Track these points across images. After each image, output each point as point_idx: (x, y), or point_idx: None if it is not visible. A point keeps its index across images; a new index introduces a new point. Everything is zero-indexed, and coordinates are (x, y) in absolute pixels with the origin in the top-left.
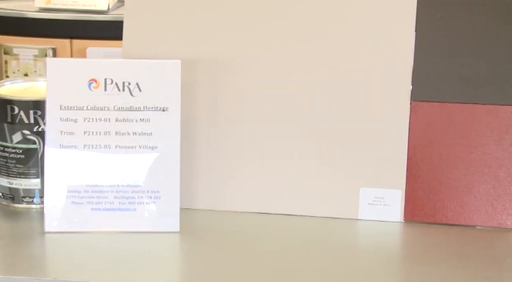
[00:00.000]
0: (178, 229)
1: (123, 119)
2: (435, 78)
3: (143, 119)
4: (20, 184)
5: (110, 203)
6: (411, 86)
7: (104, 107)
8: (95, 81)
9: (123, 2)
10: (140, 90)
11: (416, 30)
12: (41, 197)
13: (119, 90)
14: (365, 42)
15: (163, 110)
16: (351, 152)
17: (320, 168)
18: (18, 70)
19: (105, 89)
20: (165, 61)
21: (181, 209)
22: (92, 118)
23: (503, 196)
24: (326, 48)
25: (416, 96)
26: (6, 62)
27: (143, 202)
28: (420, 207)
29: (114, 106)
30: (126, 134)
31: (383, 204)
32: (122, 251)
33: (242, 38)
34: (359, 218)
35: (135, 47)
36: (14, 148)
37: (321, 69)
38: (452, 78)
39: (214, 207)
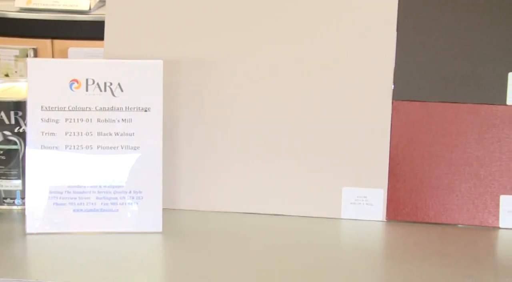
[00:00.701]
0: (160, 230)
1: (105, 119)
2: (417, 77)
3: (125, 119)
4: (1, 185)
5: (92, 203)
6: (392, 86)
7: (86, 107)
8: (77, 81)
9: (104, 2)
10: (122, 91)
11: (397, 30)
12: (23, 198)
13: (100, 90)
14: (347, 42)
15: (145, 110)
16: (334, 151)
17: (303, 168)
18: None
19: (87, 90)
20: (147, 62)
21: (164, 209)
22: (74, 119)
23: (484, 194)
24: (308, 48)
25: (398, 95)
26: None
27: (125, 203)
28: (402, 206)
29: (95, 107)
30: (108, 134)
31: (365, 203)
32: (105, 252)
33: (224, 38)
34: (341, 217)
35: (117, 47)
36: None
37: (303, 69)
38: (433, 78)
39: (197, 207)
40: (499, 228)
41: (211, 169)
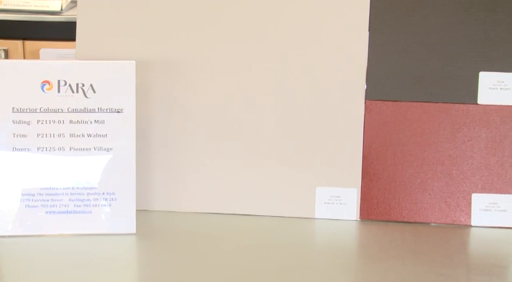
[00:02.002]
0: (134, 231)
1: (77, 121)
2: (389, 77)
3: (97, 121)
4: None
5: (65, 205)
6: (365, 86)
7: (58, 109)
8: (48, 83)
9: (76, 2)
10: (94, 92)
11: (369, 30)
12: None
13: (72, 91)
14: (319, 42)
15: (118, 111)
16: (307, 151)
17: (276, 168)
18: None
19: (59, 91)
20: (119, 62)
21: (137, 211)
22: (46, 121)
23: (456, 193)
24: (281, 49)
25: (371, 95)
26: None
27: (98, 204)
28: (376, 205)
29: (68, 108)
30: (81, 136)
31: (339, 203)
32: (78, 254)
33: (196, 38)
34: (315, 217)
35: (89, 48)
36: None
37: (275, 69)
38: (405, 78)
39: (171, 208)
40: (471, 226)
41: (184, 170)
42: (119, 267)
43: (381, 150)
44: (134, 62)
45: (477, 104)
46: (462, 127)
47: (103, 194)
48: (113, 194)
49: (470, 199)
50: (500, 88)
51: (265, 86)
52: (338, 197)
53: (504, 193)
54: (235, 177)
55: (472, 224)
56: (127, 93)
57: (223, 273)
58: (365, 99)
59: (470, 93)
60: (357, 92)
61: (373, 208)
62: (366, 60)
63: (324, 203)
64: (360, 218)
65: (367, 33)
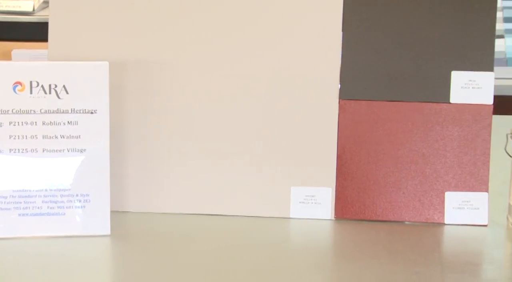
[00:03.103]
0: (108, 232)
1: (50, 122)
2: (363, 77)
3: (70, 122)
4: None
5: (38, 207)
6: (339, 85)
7: (30, 110)
8: (20, 84)
9: (48, 3)
10: (67, 93)
11: (343, 30)
12: None
13: (45, 93)
14: (293, 42)
15: (91, 112)
16: (282, 151)
17: (251, 168)
18: None
19: (31, 92)
20: (93, 63)
21: (112, 212)
22: (18, 122)
23: (429, 191)
24: (254, 48)
25: (345, 95)
26: None
27: (72, 206)
28: (350, 204)
29: (40, 110)
30: (54, 137)
31: (314, 202)
32: (52, 256)
33: (169, 38)
34: (290, 216)
35: (62, 49)
36: None
37: (249, 69)
38: (379, 77)
39: (145, 209)
40: (444, 224)
41: (159, 170)
42: (94, 269)
43: (355, 149)
44: (107, 63)
45: (450, 103)
46: (435, 126)
47: (77, 195)
48: (87, 195)
49: (444, 197)
50: (472, 88)
51: (239, 86)
52: (313, 196)
53: (477, 191)
54: (209, 177)
55: (446, 222)
56: (100, 94)
57: (198, 274)
58: (339, 99)
59: (442, 92)
60: (331, 92)
61: (347, 207)
62: (340, 60)
63: (299, 202)
64: (335, 217)
65: (341, 33)
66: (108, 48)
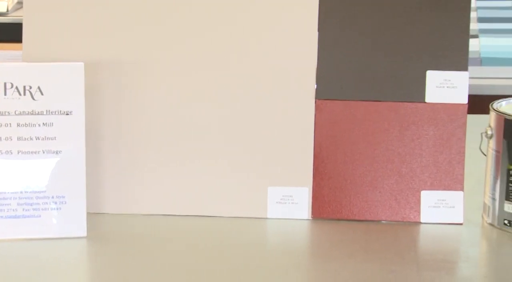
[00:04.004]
0: (85, 234)
1: (25, 124)
2: (339, 77)
3: (46, 123)
4: None
5: (14, 210)
6: (315, 85)
7: (4, 112)
8: None
9: (22, 3)
10: (42, 94)
11: (319, 30)
12: None
13: (20, 94)
14: (269, 42)
15: (67, 114)
16: (258, 151)
17: (228, 168)
18: None
19: (5, 94)
20: (67, 64)
21: (88, 214)
22: None
23: (405, 190)
24: (230, 48)
25: (321, 95)
26: None
27: (48, 208)
28: (327, 204)
29: (15, 111)
30: (29, 139)
31: (291, 202)
32: (28, 258)
33: (145, 39)
34: (267, 216)
35: (36, 49)
36: None
37: (226, 69)
38: (355, 77)
39: (122, 211)
40: (420, 223)
41: (135, 171)
42: (70, 272)
43: (331, 149)
44: (82, 64)
45: (425, 102)
46: (411, 126)
47: (53, 197)
48: (63, 197)
49: (420, 196)
50: (447, 87)
51: (215, 86)
52: (290, 196)
53: (452, 190)
54: (186, 178)
55: (422, 220)
56: (75, 95)
57: (175, 275)
58: (315, 99)
59: (418, 91)
60: (307, 92)
61: (324, 206)
62: (316, 60)
63: (276, 202)
64: (312, 217)
65: (317, 33)
66: (83, 49)
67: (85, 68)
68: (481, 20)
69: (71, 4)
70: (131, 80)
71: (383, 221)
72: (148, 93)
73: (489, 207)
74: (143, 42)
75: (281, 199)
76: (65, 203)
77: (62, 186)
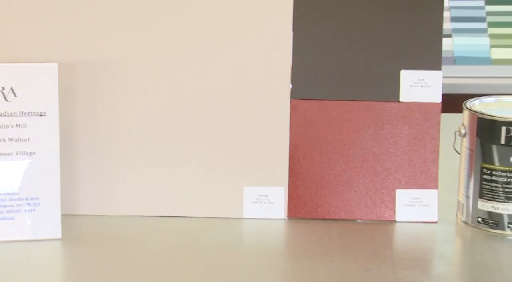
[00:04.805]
0: (59, 236)
1: None
2: (314, 76)
3: (19, 125)
4: None
5: None
6: (290, 85)
7: None
8: None
9: None
10: (15, 95)
11: (293, 30)
12: None
13: None
14: (243, 42)
15: (41, 115)
16: (234, 151)
17: (204, 168)
18: None
19: None
20: (41, 65)
21: (63, 215)
22: None
23: (381, 189)
24: (204, 49)
25: (296, 94)
26: None
27: (21, 210)
28: (303, 203)
29: None
30: (2, 140)
31: (267, 202)
32: (1, 261)
33: (120, 39)
34: (243, 216)
35: (9, 50)
36: None
37: (200, 70)
38: (329, 76)
39: (98, 212)
40: (395, 221)
41: (110, 173)
42: (44, 274)
43: (307, 149)
44: (56, 64)
45: (399, 102)
46: (385, 125)
47: (26, 199)
48: (37, 199)
49: (394, 195)
50: (421, 86)
51: (190, 87)
52: (266, 196)
53: (427, 188)
54: (162, 178)
55: (397, 219)
56: (49, 96)
57: (151, 276)
58: (291, 98)
59: (392, 91)
60: (282, 91)
61: (300, 206)
62: (291, 60)
63: (252, 202)
64: (288, 216)
65: (291, 33)
66: (56, 49)
67: (59, 69)
68: (454, 19)
69: (44, 3)
70: (106, 81)
71: (358, 220)
72: (123, 94)
73: (463, 205)
74: (118, 43)
75: (257, 199)
76: (39, 204)
77: (36, 187)
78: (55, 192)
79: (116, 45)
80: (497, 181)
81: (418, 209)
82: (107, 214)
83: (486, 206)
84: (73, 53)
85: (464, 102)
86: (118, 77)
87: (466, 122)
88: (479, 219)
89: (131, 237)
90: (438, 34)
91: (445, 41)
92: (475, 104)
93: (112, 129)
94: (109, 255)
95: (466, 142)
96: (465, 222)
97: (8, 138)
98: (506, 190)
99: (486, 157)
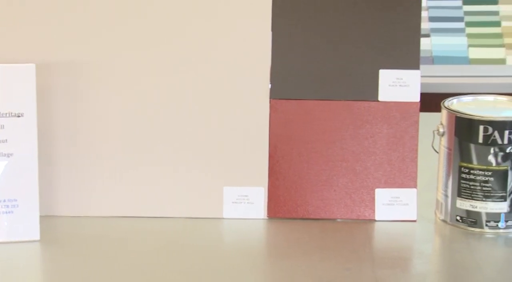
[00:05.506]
0: (38, 237)
1: None
2: (293, 76)
3: None
4: None
5: None
6: (269, 85)
7: None
8: None
9: None
10: None
11: (272, 30)
12: None
13: None
14: (222, 43)
15: (18, 116)
16: (213, 152)
17: (183, 169)
18: None
19: None
20: (18, 66)
21: (41, 217)
22: None
23: (360, 188)
24: (183, 49)
25: (275, 94)
26: None
27: None
28: (283, 203)
29: None
30: None
31: (246, 202)
32: None
33: (97, 40)
34: (223, 216)
35: None
36: None
37: (179, 70)
38: (308, 76)
39: (76, 213)
40: (375, 220)
41: (89, 174)
42: (23, 276)
43: (286, 148)
44: (33, 65)
45: (378, 101)
46: (365, 124)
47: (4, 201)
48: (15, 200)
49: (374, 194)
50: (400, 85)
51: (169, 88)
52: (246, 196)
53: (406, 187)
54: (141, 179)
55: (376, 218)
56: (27, 97)
57: (130, 277)
58: (270, 98)
59: (371, 90)
60: (261, 91)
61: (280, 206)
62: (270, 60)
63: (232, 202)
64: (267, 216)
65: (270, 33)
66: (34, 50)
67: (36, 70)
68: (432, 19)
69: (21, 4)
70: (84, 82)
71: (338, 219)
72: (100, 95)
73: (441, 203)
74: (97, 43)
75: (236, 199)
76: (17, 206)
77: (14, 189)
78: (33, 193)
79: (94, 46)
80: (475, 179)
81: (397, 208)
82: (85, 215)
83: (464, 204)
84: (51, 54)
85: (442, 101)
86: (96, 78)
87: (444, 122)
88: (458, 218)
89: (110, 238)
90: (416, 34)
91: (423, 41)
92: (453, 103)
93: (89, 130)
94: (88, 256)
95: (444, 140)
96: (444, 221)
97: None
98: (484, 188)
99: (464, 155)
